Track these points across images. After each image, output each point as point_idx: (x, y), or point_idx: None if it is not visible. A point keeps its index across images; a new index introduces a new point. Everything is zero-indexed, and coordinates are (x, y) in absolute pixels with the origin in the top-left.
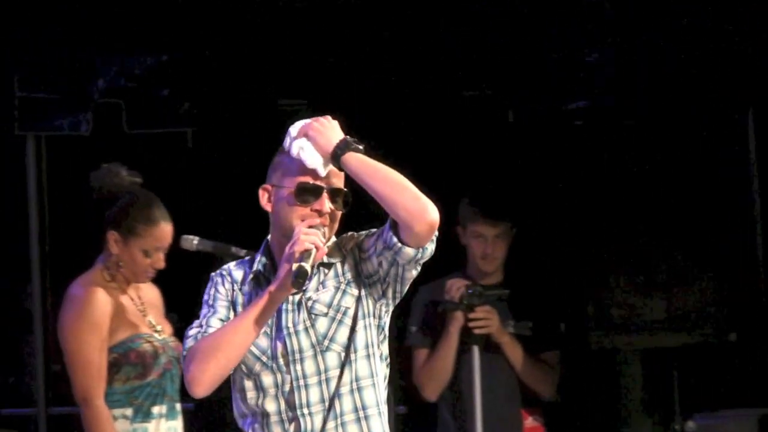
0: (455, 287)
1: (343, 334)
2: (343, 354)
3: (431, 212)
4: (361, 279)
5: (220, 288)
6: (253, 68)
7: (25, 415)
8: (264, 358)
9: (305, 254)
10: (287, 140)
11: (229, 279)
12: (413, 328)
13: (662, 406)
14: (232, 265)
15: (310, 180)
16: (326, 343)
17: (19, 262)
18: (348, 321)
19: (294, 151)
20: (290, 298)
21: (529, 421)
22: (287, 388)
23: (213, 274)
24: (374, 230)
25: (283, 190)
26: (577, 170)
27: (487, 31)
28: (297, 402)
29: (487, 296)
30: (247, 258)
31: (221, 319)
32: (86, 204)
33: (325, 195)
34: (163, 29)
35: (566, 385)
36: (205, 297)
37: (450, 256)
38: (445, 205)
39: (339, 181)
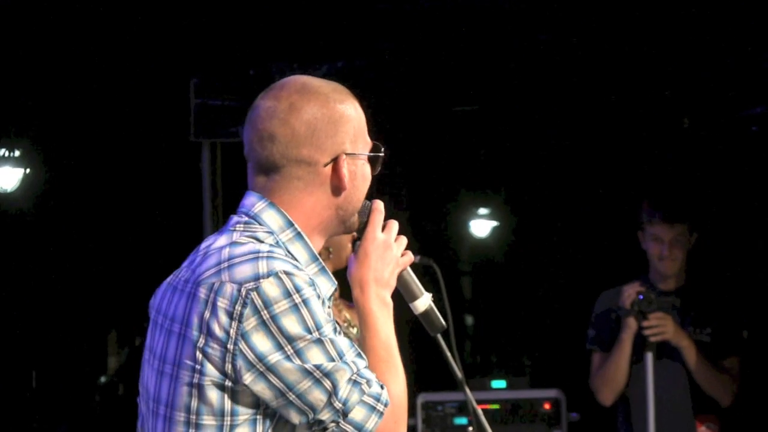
0: (627, 293)
1: None
2: None
3: None
4: None
5: (322, 307)
6: (428, 75)
7: None
8: None
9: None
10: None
11: (320, 293)
12: (591, 332)
13: None
14: (294, 268)
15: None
16: None
17: None
18: None
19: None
20: None
21: (703, 429)
22: None
23: (296, 279)
24: None
25: (360, 158)
26: (755, 175)
27: (660, 37)
28: None
29: (659, 302)
30: (276, 252)
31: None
32: None
33: None
34: (338, 36)
35: (746, 393)
36: (315, 317)
37: (637, 262)
38: (628, 208)
39: None
